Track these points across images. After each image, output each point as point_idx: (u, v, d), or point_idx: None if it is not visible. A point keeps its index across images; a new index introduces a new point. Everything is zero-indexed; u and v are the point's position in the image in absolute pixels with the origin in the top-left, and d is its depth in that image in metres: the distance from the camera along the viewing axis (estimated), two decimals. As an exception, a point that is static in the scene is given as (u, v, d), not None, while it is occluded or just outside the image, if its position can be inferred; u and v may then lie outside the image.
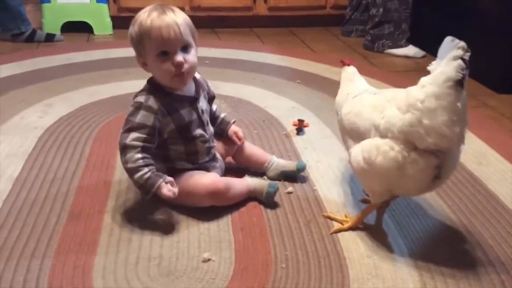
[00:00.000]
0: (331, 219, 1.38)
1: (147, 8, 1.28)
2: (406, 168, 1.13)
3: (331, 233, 1.32)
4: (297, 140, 1.86)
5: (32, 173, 1.55)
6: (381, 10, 3.12)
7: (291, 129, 1.93)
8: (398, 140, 1.13)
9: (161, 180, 1.26)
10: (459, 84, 1.05)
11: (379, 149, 1.16)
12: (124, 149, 1.29)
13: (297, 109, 2.15)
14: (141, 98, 1.31)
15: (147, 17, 1.25)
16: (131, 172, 1.28)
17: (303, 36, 3.43)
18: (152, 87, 1.34)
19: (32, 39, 3.02)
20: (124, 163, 1.29)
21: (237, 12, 3.50)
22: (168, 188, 1.27)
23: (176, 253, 1.22)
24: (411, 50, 3.09)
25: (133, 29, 1.29)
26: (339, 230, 1.33)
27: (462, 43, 1.04)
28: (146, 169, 1.27)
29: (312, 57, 2.89)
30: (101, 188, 1.49)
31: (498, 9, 2.56)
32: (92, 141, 1.77)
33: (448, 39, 1.08)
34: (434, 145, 1.10)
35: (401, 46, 3.12)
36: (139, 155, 1.27)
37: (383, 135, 1.17)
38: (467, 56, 1.04)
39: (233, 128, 1.56)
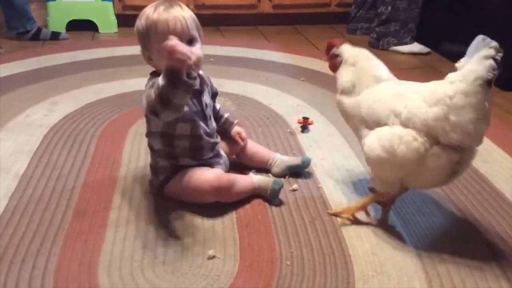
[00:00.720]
0: (337, 216, 1.38)
1: (154, 3, 1.30)
2: (427, 160, 1.16)
3: (330, 214, 1.36)
4: (302, 137, 1.86)
5: (38, 170, 1.56)
6: (389, 8, 3.10)
7: (296, 127, 1.93)
8: (421, 132, 1.15)
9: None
10: (488, 83, 1.06)
11: (401, 139, 1.17)
12: (149, 105, 1.22)
13: (301, 106, 2.15)
14: (151, 81, 1.29)
15: (154, 11, 1.28)
16: (160, 94, 1.17)
17: (307, 33, 3.42)
18: (157, 75, 1.32)
19: (38, 38, 3.03)
20: (156, 104, 1.19)
21: (241, 10, 3.50)
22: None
23: (181, 250, 1.23)
24: (416, 46, 3.08)
25: (139, 22, 1.31)
26: (337, 214, 1.37)
27: (495, 43, 1.06)
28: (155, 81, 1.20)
29: (316, 55, 2.88)
30: (106, 185, 1.49)
31: (504, 6, 2.55)
32: (97, 139, 1.78)
33: (479, 38, 1.09)
34: (457, 142, 1.12)
35: (406, 43, 3.11)
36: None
37: (404, 124, 1.18)
38: (499, 56, 1.06)
39: (237, 129, 1.57)
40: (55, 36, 3.08)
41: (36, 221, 1.31)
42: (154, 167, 1.43)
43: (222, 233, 1.29)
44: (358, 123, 1.32)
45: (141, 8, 1.36)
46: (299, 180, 1.56)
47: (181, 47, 1.14)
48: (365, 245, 1.27)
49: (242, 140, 1.56)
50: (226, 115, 1.57)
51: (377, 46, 3.16)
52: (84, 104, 2.08)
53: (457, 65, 1.14)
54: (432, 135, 1.15)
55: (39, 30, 3.05)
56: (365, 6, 3.39)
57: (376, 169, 1.29)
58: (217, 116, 1.54)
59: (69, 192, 1.44)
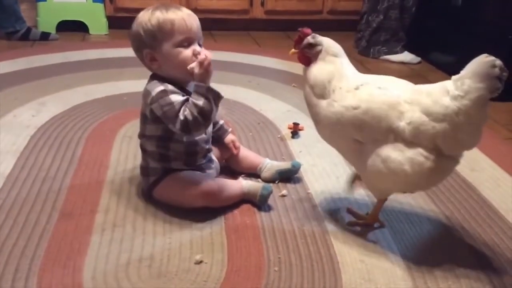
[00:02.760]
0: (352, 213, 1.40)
1: (154, 7, 1.30)
2: (437, 173, 1.17)
3: (348, 224, 1.37)
4: (292, 143, 1.85)
5: (23, 171, 1.53)
6: (381, 16, 3.11)
7: (286, 132, 1.92)
8: (428, 148, 1.13)
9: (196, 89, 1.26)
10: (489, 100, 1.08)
11: (413, 161, 1.14)
12: (187, 123, 1.25)
13: (292, 112, 2.14)
14: (160, 87, 1.29)
15: (164, 12, 1.28)
16: (201, 112, 1.23)
17: (299, 40, 3.43)
18: (160, 79, 1.32)
19: (27, 38, 3.00)
20: (193, 122, 1.24)
21: (234, 15, 3.50)
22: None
23: (168, 255, 1.21)
24: (407, 56, 3.10)
25: (145, 24, 1.28)
26: (355, 224, 1.37)
27: (500, 62, 1.06)
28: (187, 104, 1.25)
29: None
30: (93, 188, 1.47)
31: (494, 16, 2.58)
32: (85, 141, 1.76)
33: (483, 56, 1.08)
34: (460, 152, 1.16)
35: (396, 53, 3.14)
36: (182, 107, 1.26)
37: (407, 141, 1.14)
38: (504, 76, 1.06)
39: (231, 137, 1.57)
40: (44, 36, 3.05)
41: (20, 223, 1.29)
42: (144, 168, 1.42)
43: (210, 238, 1.28)
44: (339, 131, 1.23)
45: (132, 10, 1.35)
46: (289, 185, 1.55)
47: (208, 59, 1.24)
48: (353, 252, 1.26)
49: (236, 148, 1.55)
50: (221, 122, 1.57)
51: (368, 54, 3.17)
52: (72, 105, 2.06)
53: (454, 77, 1.12)
54: (437, 148, 1.13)
55: (28, 30, 3.02)
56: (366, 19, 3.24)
57: (376, 183, 1.26)
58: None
59: (55, 194, 1.42)
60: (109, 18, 3.29)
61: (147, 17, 1.29)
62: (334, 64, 1.24)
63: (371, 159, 1.20)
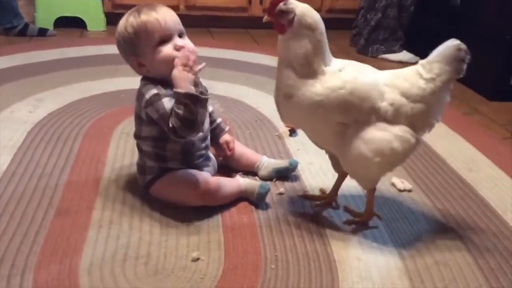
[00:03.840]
0: (353, 223, 1.38)
1: (128, 13, 1.29)
2: (413, 152, 1.26)
3: (345, 223, 1.37)
4: (290, 141, 1.85)
5: (20, 167, 1.53)
6: (379, 15, 3.12)
7: (284, 130, 1.92)
8: (408, 126, 1.21)
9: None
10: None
11: (402, 138, 1.20)
12: (175, 130, 1.22)
13: (290, 110, 2.14)
14: (153, 90, 1.27)
15: (135, 17, 1.27)
16: (186, 112, 1.20)
17: (297, 38, 3.42)
18: (152, 80, 1.31)
19: (25, 34, 2.99)
20: (183, 126, 1.21)
21: (232, 13, 3.50)
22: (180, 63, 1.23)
23: (165, 252, 1.21)
24: (405, 55, 3.10)
25: (123, 33, 1.28)
26: (352, 222, 1.37)
27: (464, 46, 1.17)
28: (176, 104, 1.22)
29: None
30: (90, 185, 1.47)
31: (492, 16, 2.58)
32: (82, 137, 1.75)
33: (450, 40, 1.19)
34: (427, 131, 1.25)
35: (395, 52, 3.14)
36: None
37: (389, 121, 1.20)
38: (468, 59, 1.18)
39: (226, 137, 1.54)
40: (42, 32, 3.04)
41: (17, 219, 1.28)
42: (141, 167, 1.41)
43: (207, 236, 1.28)
44: (320, 114, 1.20)
45: (130, 6, 1.34)
46: (286, 183, 1.55)
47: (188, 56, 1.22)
48: (350, 250, 1.26)
49: (230, 150, 1.53)
50: (218, 120, 1.55)
51: (366, 53, 3.17)
52: (70, 101, 2.05)
53: (422, 61, 1.22)
54: (412, 128, 1.22)
55: (26, 26, 3.00)
56: (364, 17, 3.28)
57: (366, 170, 1.26)
58: (210, 118, 1.50)
59: (51, 191, 1.42)
60: (107, 15, 3.28)
61: (123, 26, 1.28)
62: (309, 39, 1.17)
63: (354, 143, 1.21)
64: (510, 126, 2.07)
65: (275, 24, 1.20)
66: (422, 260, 1.25)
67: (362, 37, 3.22)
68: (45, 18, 3.16)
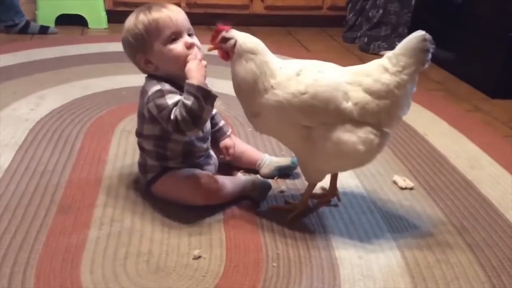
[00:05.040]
0: (279, 209, 1.39)
1: (137, 10, 1.29)
2: (380, 148, 1.24)
3: (289, 221, 1.34)
4: (291, 139, 1.85)
5: (22, 165, 1.53)
6: (380, 11, 3.12)
7: (285, 128, 1.91)
8: (373, 125, 1.20)
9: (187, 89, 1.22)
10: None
11: (365, 140, 1.20)
12: (177, 123, 1.22)
13: (291, 108, 2.13)
14: (156, 86, 1.27)
15: (147, 13, 1.27)
16: (190, 113, 1.20)
17: (299, 35, 3.42)
18: (157, 78, 1.31)
19: (26, 31, 2.99)
20: (187, 121, 1.21)
21: (233, 10, 3.49)
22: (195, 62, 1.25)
23: (166, 250, 1.21)
24: (406, 52, 3.09)
25: (132, 29, 1.28)
26: (295, 216, 1.35)
27: (429, 36, 1.16)
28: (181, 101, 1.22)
29: (307, 57, 2.87)
30: (91, 182, 1.47)
31: (494, 13, 2.57)
32: (83, 135, 1.75)
33: (415, 32, 1.17)
34: (395, 126, 1.24)
35: (396, 49, 3.13)
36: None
37: (356, 120, 1.20)
38: (432, 48, 1.16)
39: (226, 142, 1.52)
40: (43, 30, 3.04)
41: (19, 217, 1.28)
42: (142, 165, 1.41)
43: (209, 233, 1.28)
44: (286, 120, 1.22)
45: (132, 4, 1.34)
46: (288, 181, 1.55)
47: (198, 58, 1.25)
48: (351, 248, 1.26)
49: (228, 155, 1.51)
50: (221, 123, 1.53)
51: (368, 50, 3.16)
52: (71, 99, 2.05)
53: (388, 55, 1.21)
54: (379, 124, 1.21)
55: (27, 24, 3.00)
56: (364, 14, 3.35)
57: (331, 169, 1.35)
58: (212, 121, 1.50)
59: (53, 188, 1.42)
60: (108, 12, 3.28)
61: (132, 23, 1.28)
62: (254, 62, 1.22)
63: (321, 144, 1.22)
64: (511, 124, 2.07)
65: (219, 51, 1.28)
66: (424, 258, 1.25)
67: (362, 34, 3.22)
68: (46, 15, 3.16)
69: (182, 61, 1.26)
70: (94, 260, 1.16)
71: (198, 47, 1.30)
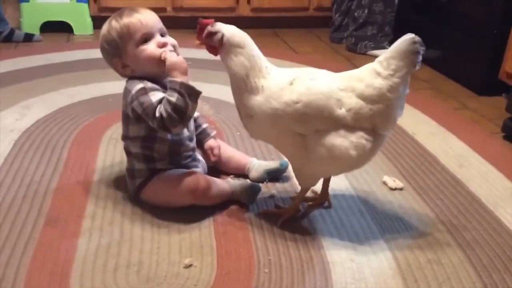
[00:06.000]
0: (270, 214, 1.39)
1: (110, 18, 1.33)
2: (374, 152, 1.25)
3: (279, 224, 1.34)
4: (280, 142, 1.84)
5: (8, 177, 1.51)
6: (366, 11, 3.13)
7: (274, 131, 1.91)
8: (367, 130, 1.20)
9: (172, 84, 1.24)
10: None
11: (357, 145, 1.20)
12: (162, 120, 1.23)
13: (280, 111, 2.13)
14: (139, 85, 1.29)
15: (118, 20, 1.31)
16: (175, 109, 1.21)
17: (286, 37, 3.42)
18: (138, 77, 1.33)
19: (10, 39, 2.96)
20: (172, 118, 1.22)
21: (220, 13, 3.47)
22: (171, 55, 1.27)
23: (157, 259, 1.20)
24: (393, 52, 3.11)
25: (106, 36, 1.32)
26: (285, 221, 1.35)
27: (419, 39, 1.16)
28: (165, 97, 1.24)
29: (295, 58, 2.88)
30: (79, 192, 1.45)
31: (479, 11, 2.59)
32: (70, 144, 1.73)
33: (406, 35, 1.17)
34: (391, 129, 1.24)
35: (383, 48, 3.14)
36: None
37: (350, 127, 1.20)
38: (422, 50, 1.16)
39: (210, 143, 1.52)
40: (28, 37, 3.01)
41: (6, 230, 1.27)
42: (130, 170, 1.40)
43: (199, 241, 1.27)
44: (279, 127, 1.23)
45: (116, 9, 1.36)
46: (277, 185, 1.55)
47: (176, 57, 1.26)
48: (343, 251, 1.26)
49: (214, 155, 1.51)
50: (204, 125, 1.54)
51: (355, 50, 3.17)
52: (57, 108, 2.03)
53: (379, 59, 1.20)
54: (374, 128, 1.21)
55: (12, 32, 2.97)
56: (350, 14, 3.37)
57: (324, 174, 1.35)
58: (194, 123, 1.50)
59: (40, 199, 1.40)
60: (94, 18, 3.25)
61: (106, 30, 1.33)
62: (243, 56, 1.23)
63: (315, 150, 1.22)
64: (499, 121, 2.08)
65: (207, 47, 1.27)
66: (415, 259, 1.25)
67: (349, 35, 3.23)
68: (31, 23, 3.13)
69: (156, 59, 1.29)
70: (83, 273, 1.14)
71: (173, 45, 1.33)
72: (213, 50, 1.27)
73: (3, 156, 1.62)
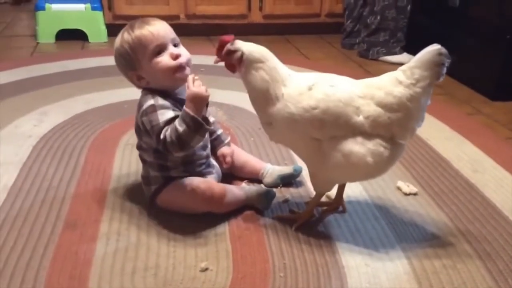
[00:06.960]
0: (284, 219, 1.39)
1: (123, 30, 1.34)
2: (392, 161, 1.24)
3: (295, 230, 1.35)
4: (294, 147, 1.85)
5: (27, 182, 1.53)
6: (378, 17, 3.13)
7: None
8: (385, 138, 1.21)
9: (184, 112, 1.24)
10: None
11: (374, 152, 1.20)
12: (165, 143, 1.25)
13: (293, 116, 2.14)
14: (150, 101, 1.30)
15: (130, 32, 1.31)
16: (180, 138, 1.23)
17: (298, 43, 3.44)
18: (152, 91, 1.34)
19: None
20: (177, 145, 1.24)
21: (232, 20, 3.51)
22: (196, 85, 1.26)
23: (173, 263, 1.21)
24: (405, 57, 3.10)
25: (119, 49, 1.33)
26: (300, 225, 1.36)
27: (444, 50, 1.15)
28: (175, 122, 1.25)
29: (307, 65, 2.89)
30: (97, 197, 1.47)
31: (492, 16, 2.58)
32: (87, 149, 1.76)
33: (430, 46, 1.18)
34: (410, 137, 1.24)
35: (395, 53, 3.14)
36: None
37: (368, 134, 1.20)
38: (448, 62, 1.17)
39: (223, 150, 1.52)
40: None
41: (25, 235, 1.29)
42: (145, 178, 1.42)
43: (215, 245, 1.28)
44: (297, 132, 1.24)
45: (131, 17, 1.36)
46: (291, 189, 1.56)
47: (199, 87, 1.24)
48: (358, 256, 1.26)
49: (226, 163, 1.51)
50: (218, 132, 1.55)
51: (367, 56, 3.18)
52: (74, 114, 2.06)
53: (402, 67, 1.21)
54: (392, 137, 1.21)
55: None
56: (362, 20, 3.35)
57: (341, 180, 1.36)
58: (211, 130, 1.51)
59: (59, 204, 1.43)
60: (108, 26, 3.30)
61: (119, 43, 1.33)
62: (264, 70, 1.24)
63: (332, 155, 1.22)
64: (513, 126, 2.07)
65: (226, 64, 1.28)
66: (431, 264, 1.25)
67: (361, 41, 3.24)
68: (46, 31, 3.18)
69: (171, 72, 1.30)
70: (101, 276, 1.16)
71: (185, 56, 1.33)
72: (232, 67, 1.28)
73: (21, 162, 1.65)
